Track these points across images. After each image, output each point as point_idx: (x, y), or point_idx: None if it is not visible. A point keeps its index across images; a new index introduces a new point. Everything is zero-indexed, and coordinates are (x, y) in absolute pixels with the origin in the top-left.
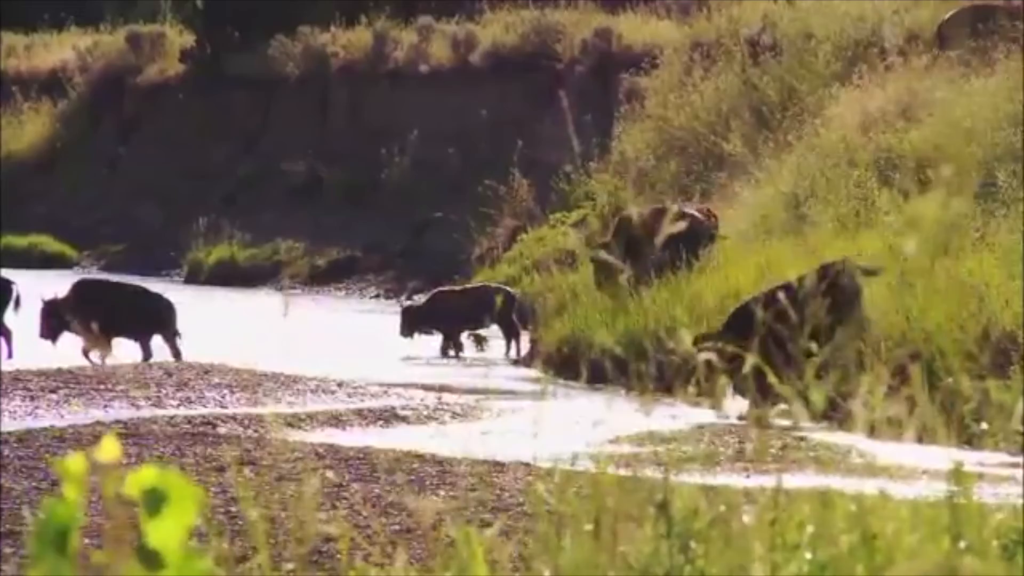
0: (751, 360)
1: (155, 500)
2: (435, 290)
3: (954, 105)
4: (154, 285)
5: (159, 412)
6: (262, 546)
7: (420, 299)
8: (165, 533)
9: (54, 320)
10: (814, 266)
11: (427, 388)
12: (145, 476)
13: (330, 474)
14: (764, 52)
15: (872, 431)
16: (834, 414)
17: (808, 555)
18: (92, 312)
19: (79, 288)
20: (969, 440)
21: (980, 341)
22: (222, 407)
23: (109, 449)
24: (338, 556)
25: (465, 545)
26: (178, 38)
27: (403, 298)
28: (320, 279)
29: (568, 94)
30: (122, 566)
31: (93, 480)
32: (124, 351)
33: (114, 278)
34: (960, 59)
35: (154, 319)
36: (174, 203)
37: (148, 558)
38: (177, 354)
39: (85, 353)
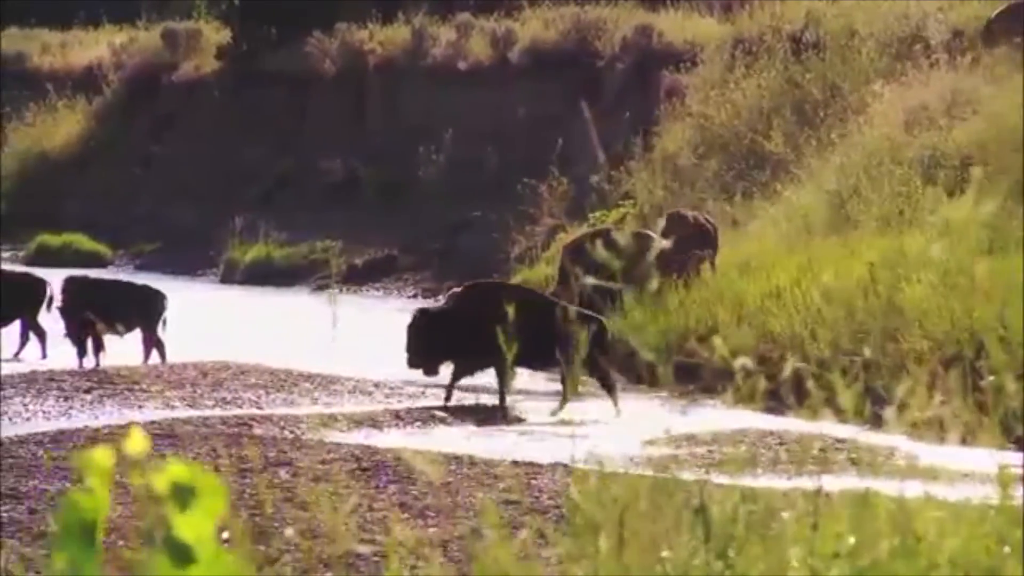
0: None
1: (183, 494)
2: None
3: (999, 102)
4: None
5: (194, 413)
6: (298, 548)
7: None
8: (194, 528)
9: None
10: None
11: (464, 389)
12: (173, 471)
13: (366, 476)
14: (807, 49)
15: (915, 432)
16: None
17: (850, 558)
18: (80, 309)
19: (65, 286)
20: (1017, 441)
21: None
22: (258, 408)
23: (137, 442)
24: (374, 559)
25: (502, 548)
26: (214, 35)
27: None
28: (357, 278)
29: (608, 92)
30: (150, 562)
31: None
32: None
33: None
34: (1005, 56)
35: (137, 312)
36: (209, 202)
37: (178, 552)
38: (149, 353)
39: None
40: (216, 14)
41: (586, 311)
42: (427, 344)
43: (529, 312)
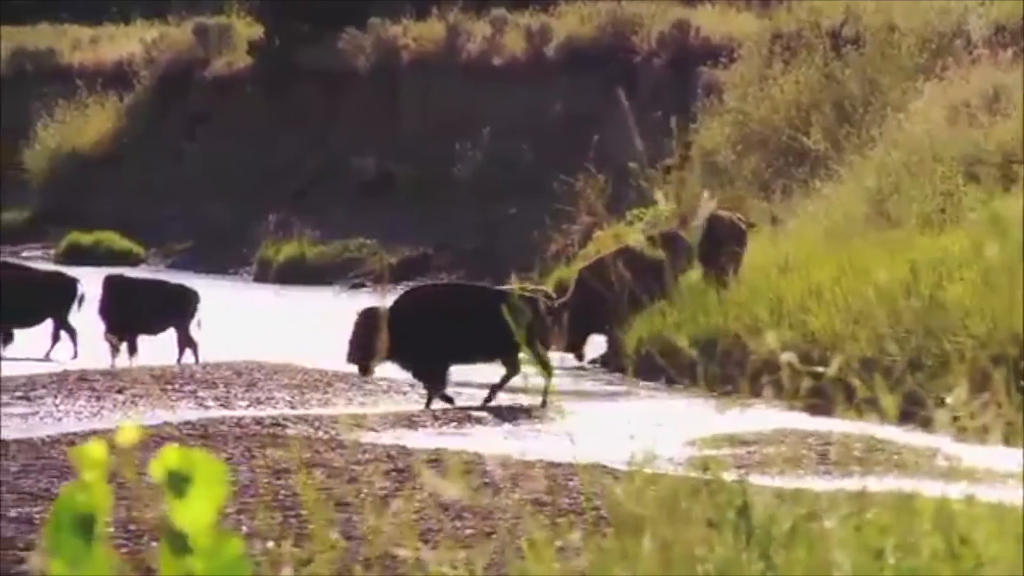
0: None
1: (180, 481)
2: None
3: None
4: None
5: (228, 413)
6: (333, 549)
7: None
8: (193, 515)
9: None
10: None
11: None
12: (169, 456)
13: (402, 476)
14: (846, 44)
15: (957, 433)
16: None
17: (892, 560)
18: (118, 309)
19: (104, 285)
20: None
21: None
22: (292, 408)
23: (128, 434)
24: (409, 560)
25: (540, 549)
26: (246, 30)
27: None
28: (391, 277)
29: (644, 88)
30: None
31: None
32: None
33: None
34: None
35: (171, 311)
36: (242, 199)
37: (176, 542)
38: (182, 352)
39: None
40: (248, 9)
41: (526, 295)
42: (365, 343)
43: (472, 309)
